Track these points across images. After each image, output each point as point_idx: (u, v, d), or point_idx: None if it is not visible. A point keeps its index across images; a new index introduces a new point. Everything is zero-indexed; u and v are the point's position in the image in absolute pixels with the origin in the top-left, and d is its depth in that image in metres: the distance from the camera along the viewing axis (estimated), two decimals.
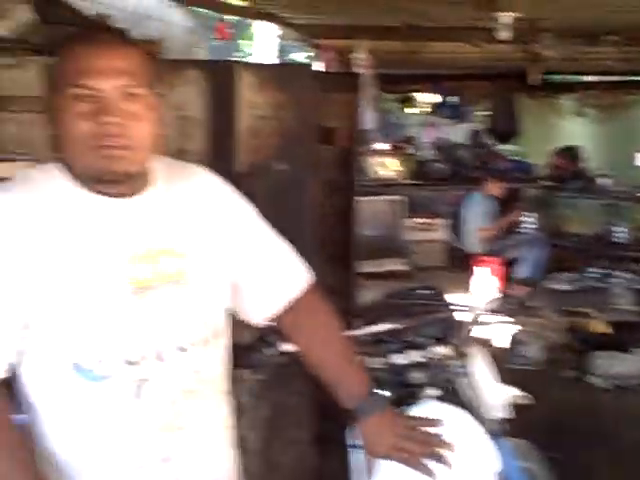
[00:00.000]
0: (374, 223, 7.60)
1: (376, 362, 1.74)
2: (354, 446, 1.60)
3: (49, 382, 1.29)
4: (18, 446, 1.25)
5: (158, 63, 3.15)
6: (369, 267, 6.09)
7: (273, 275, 1.52)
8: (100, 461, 1.30)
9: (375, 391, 1.53)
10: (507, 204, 7.86)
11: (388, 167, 8.62)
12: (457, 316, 1.81)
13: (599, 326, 5.34)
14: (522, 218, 7.48)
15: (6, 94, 3.07)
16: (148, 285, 1.30)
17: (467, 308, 1.86)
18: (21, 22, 3.06)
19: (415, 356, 1.64)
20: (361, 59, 5.18)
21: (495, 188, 7.36)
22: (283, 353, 1.73)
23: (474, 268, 7.15)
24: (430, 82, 9.23)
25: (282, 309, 1.53)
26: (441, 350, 1.70)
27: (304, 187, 3.04)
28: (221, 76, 2.98)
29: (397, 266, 7.81)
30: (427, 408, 1.55)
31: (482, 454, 1.53)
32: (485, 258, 7.17)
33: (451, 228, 8.86)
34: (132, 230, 1.32)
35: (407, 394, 1.68)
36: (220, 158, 3.06)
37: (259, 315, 1.54)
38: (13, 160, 2.58)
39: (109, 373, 1.27)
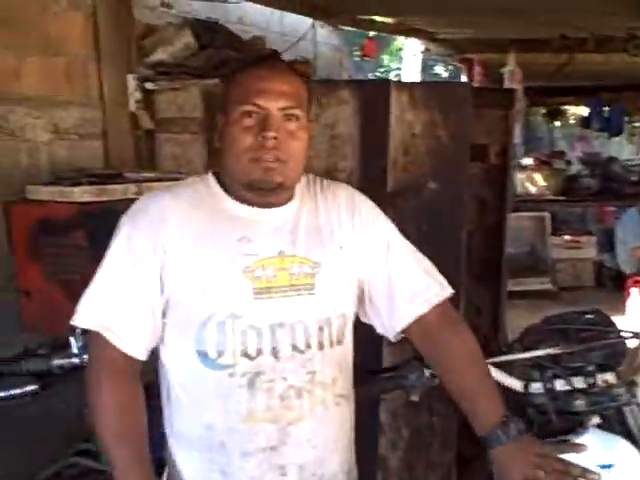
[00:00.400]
0: (518, 240, 7.42)
1: (536, 388, 1.67)
2: None
3: (179, 366, 1.47)
4: (140, 435, 1.43)
5: (312, 83, 3.23)
6: (512, 286, 5.95)
7: (405, 289, 1.57)
8: (215, 440, 1.45)
9: (510, 419, 1.49)
10: None
11: (534, 182, 8.37)
12: (624, 342, 1.71)
13: None
14: None
15: (167, 116, 3.25)
16: (275, 287, 1.44)
17: (632, 333, 1.75)
18: (182, 47, 3.23)
19: (578, 382, 1.56)
20: (511, 72, 5.06)
21: None
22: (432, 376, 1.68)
23: (630, 289, 6.83)
24: (582, 94, 8.87)
25: (412, 322, 1.57)
26: (607, 377, 1.60)
27: (456, 206, 3.00)
28: (374, 95, 3.00)
29: (542, 285, 7.59)
30: (589, 437, 1.48)
31: None
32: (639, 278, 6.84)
33: (602, 246, 8.50)
34: (268, 235, 1.47)
35: (568, 422, 1.59)
36: (372, 176, 3.08)
37: (391, 329, 1.60)
38: (174, 179, 2.72)
39: (229, 363, 1.42)
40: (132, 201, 2.44)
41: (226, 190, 1.50)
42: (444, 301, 1.59)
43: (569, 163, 9.01)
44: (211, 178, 1.54)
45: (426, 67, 11.12)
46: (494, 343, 3.97)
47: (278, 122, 1.43)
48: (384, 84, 3.26)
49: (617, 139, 11.05)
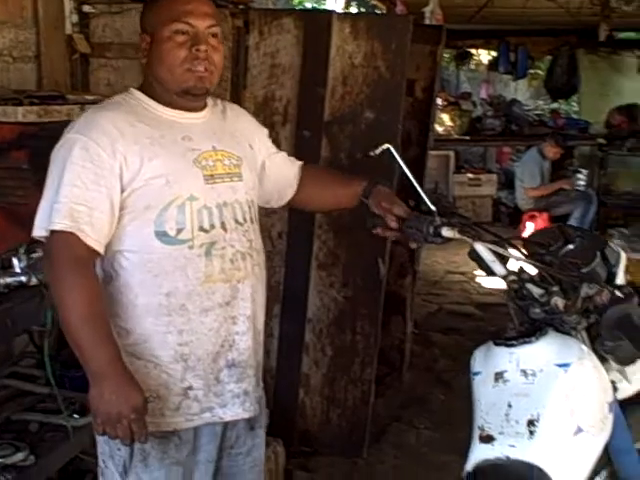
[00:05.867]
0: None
1: (511, 279, 1.77)
2: (476, 374, 1.72)
3: (137, 251, 1.68)
4: (106, 320, 1.62)
5: (253, 11, 3.23)
6: None
7: (286, 169, 2.04)
8: (175, 304, 1.69)
9: (372, 179, 2.00)
10: (560, 164, 7.88)
11: (442, 122, 8.63)
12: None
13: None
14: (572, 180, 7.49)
15: (103, 41, 3.19)
16: (217, 174, 1.75)
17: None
18: None
19: (537, 294, 1.71)
20: (432, 12, 5.18)
21: (551, 151, 7.39)
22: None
23: (526, 223, 7.25)
24: (491, 38, 9.13)
25: (298, 183, 2.05)
26: (558, 302, 1.69)
27: (391, 136, 3.10)
28: (316, 24, 3.06)
29: None
30: (548, 339, 1.66)
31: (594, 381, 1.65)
32: (535, 213, 7.27)
33: (500, 184, 8.92)
34: (204, 134, 1.77)
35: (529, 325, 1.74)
36: (310, 105, 3.16)
37: (284, 197, 2.06)
38: None
39: (188, 237, 1.69)
40: None
41: (156, 98, 1.76)
42: (304, 164, 2.11)
43: (475, 104, 9.31)
44: (136, 92, 1.78)
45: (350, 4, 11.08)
46: (410, 268, 4.21)
47: (205, 38, 1.72)
48: (326, 14, 3.32)
49: (517, 83, 11.50)
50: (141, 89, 1.79)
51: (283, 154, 2.08)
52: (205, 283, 1.71)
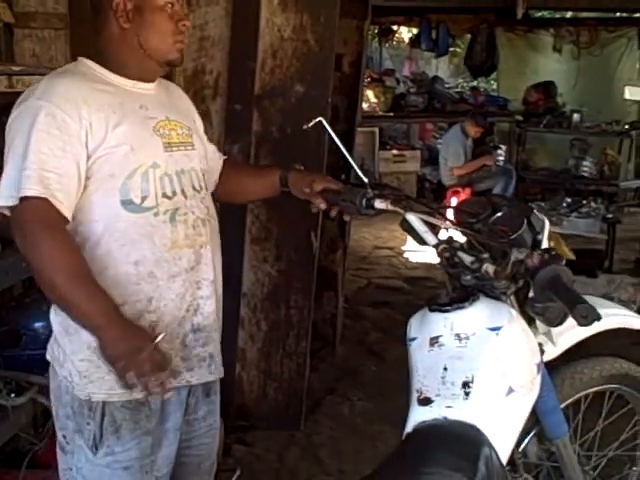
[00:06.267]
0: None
1: (442, 248, 1.80)
2: (412, 339, 1.76)
3: (103, 220, 1.67)
4: (91, 274, 1.60)
5: None
6: None
7: (214, 158, 2.05)
8: (144, 272, 1.70)
9: (286, 166, 2.05)
10: (481, 141, 8.08)
11: (366, 98, 8.69)
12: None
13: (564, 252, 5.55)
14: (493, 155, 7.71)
15: (27, 10, 3.08)
16: (173, 143, 1.77)
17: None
18: None
19: (468, 261, 1.75)
20: None
21: (472, 130, 7.57)
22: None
23: (450, 199, 7.43)
24: (413, 15, 9.24)
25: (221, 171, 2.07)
26: (489, 269, 1.72)
27: (321, 109, 3.12)
28: None
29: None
30: (479, 304, 1.72)
31: (523, 344, 1.72)
32: (458, 189, 7.46)
33: (424, 161, 9.09)
34: (157, 104, 1.78)
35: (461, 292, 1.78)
36: (240, 78, 3.14)
37: (211, 187, 2.02)
38: (42, 74, 2.62)
39: (153, 205, 1.70)
40: (4, 95, 2.38)
41: (107, 69, 1.74)
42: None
43: (398, 81, 9.42)
44: (87, 61, 1.75)
45: None
46: (340, 243, 4.26)
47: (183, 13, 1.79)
48: None
49: (438, 61, 11.70)
50: (91, 59, 1.76)
51: (213, 147, 2.09)
52: (172, 249, 1.73)
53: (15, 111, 1.64)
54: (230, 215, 3.17)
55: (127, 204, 1.67)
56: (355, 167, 1.95)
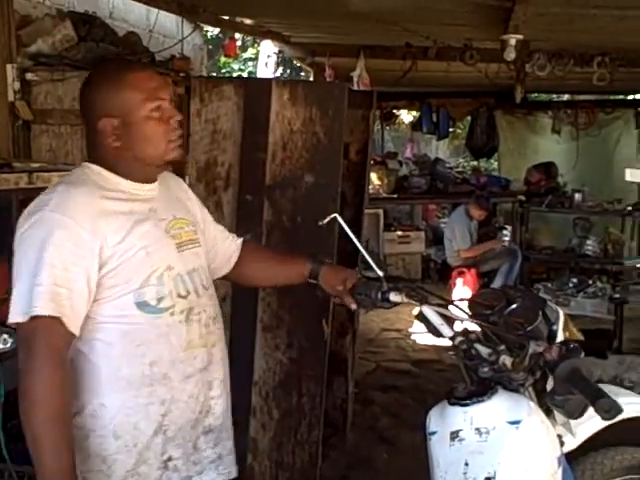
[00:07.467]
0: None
1: (459, 340, 1.82)
2: (432, 433, 1.75)
3: (116, 323, 1.65)
4: (70, 416, 1.58)
5: (194, 79, 3.30)
6: None
7: (222, 237, 2.07)
8: (158, 373, 1.68)
9: (314, 256, 2.09)
10: (486, 221, 8.16)
11: (370, 181, 8.82)
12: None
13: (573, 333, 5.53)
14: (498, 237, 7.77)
15: (45, 107, 3.19)
16: (183, 242, 1.79)
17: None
18: (61, 39, 3.19)
19: (485, 353, 1.77)
20: (360, 77, 5.38)
21: (476, 213, 7.65)
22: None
23: (456, 279, 7.45)
24: (413, 99, 9.48)
25: (238, 255, 2.09)
26: (506, 361, 1.73)
27: (330, 199, 3.19)
28: (256, 91, 3.15)
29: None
30: (499, 397, 1.72)
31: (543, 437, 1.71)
32: (464, 269, 7.48)
33: (428, 241, 9.14)
34: (163, 204, 1.79)
35: (479, 385, 1.79)
36: (251, 170, 3.22)
37: (227, 266, 2.08)
38: (59, 170, 2.69)
39: (169, 305, 1.70)
40: (24, 190, 2.43)
41: (117, 174, 1.74)
42: (242, 240, 2.14)
43: (401, 164, 9.58)
44: (93, 166, 1.74)
45: (284, 69, 11.30)
46: (350, 328, 4.25)
47: (173, 107, 1.77)
48: (266, 82, 3.43)
49: (438, 142, 11.92)
50: (95, 163, 1.74)
51: (221, 227, 2.10)
52: (187, 349, 1.72)
53: (27, 222, 1.61)
54: (241, 303, 3.20)
55: (143, 306, 1.67)
56: (370, 261, 1.98)
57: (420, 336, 5.97)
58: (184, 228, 1.81)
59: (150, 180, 1.79)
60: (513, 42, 4.44)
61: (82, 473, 1.64)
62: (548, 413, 1.83)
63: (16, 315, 1.54)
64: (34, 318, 1.52)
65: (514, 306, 1.94)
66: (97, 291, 1.63)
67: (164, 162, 1.78)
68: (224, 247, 2.07)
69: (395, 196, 8.96)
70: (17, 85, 3.00)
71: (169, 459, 1.71)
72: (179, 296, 1.72)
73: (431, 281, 8.34)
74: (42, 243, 1.56)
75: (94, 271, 1.61)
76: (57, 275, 1.55)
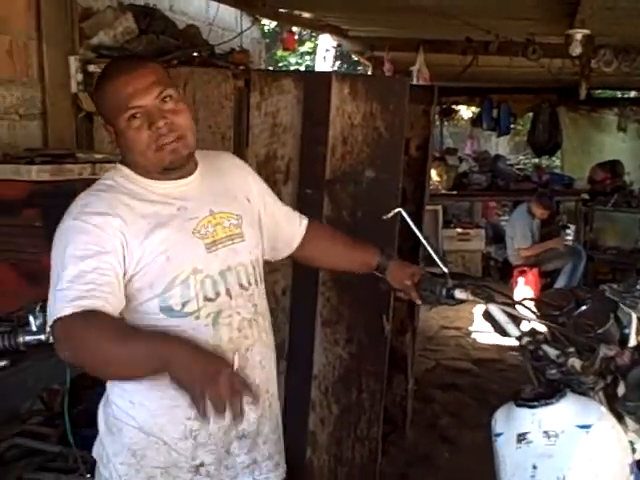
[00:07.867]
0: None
1: (526, 341, 1.76)
2: (498, 435, 1.70)
3: (146, 323, 1.62)
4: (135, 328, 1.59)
5: (253, 72, 3.29)
6: None
7: (287, 220, 2.01)
8: None
9: (384, 249, 2.04)
10: (550, 220, 7.98)
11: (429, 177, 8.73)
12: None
13: None
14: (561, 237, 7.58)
15: None
16: (218, 240, 1.69)
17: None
18: (122, 31, 3.22)
19: (553, 355, 1.71)
20: (419, 71, 5.31)
21: (538, 211, 7.47)
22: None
23: (517, 279, 7.30)
24: (474, 95, 9.33)
25: (301, 239, 2.03)
26: (575, 364, 1.68)
27: (391, 194, 3.16)
28: (316, 85, 3.13)
29: None
30: (567, 401, 1.65)
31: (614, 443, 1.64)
32: (525, 268, 7.33)
33: (488, 239, 9.00)
34: (199, 200, 1.71)
35: (547, 387, 1.72)
36: (311, 164, 3.20)
37: (287, 249, 2.02)
38: (112, 161, 2.72)
39: (194, 309, 1.64)
40: (87, 181, 2.48)
41: (142, 174, 1.69)
42: (309, 221, 2.07)
43: (461, 160, 9.45)
44: (124, 169, 1.71)
45: (341, 63, 11.29)
46: (410, 325, 4.20)
47: (159, 109, 1.63)
48: (326, 75, 3.40)
49: (499, 139, 11.71)
50: (127, 164, 1.72)
51: (286, 209, 2.04)
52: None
53: (59, 227, 1.62)
54: (301, 298, 3.19)
55: (166, 311, 1.63)
56: (435, 257, 1.94)
57: (481, 335, 5.88)
58: (222, 223, 1.72)
59: (181, 176, 1.72)
60: (579, 37, 4.32)
61: (116, 464, 1.67)
62: (619, 419, 1.76)
63: (51, 320, 1.53)
64: (58, 320, 1.50)
65: (584, 308, 1.87)
66: (126, 293, 1.61)
67: (161, 170, 1.67)
68: (287, 230, 2.01)
69: (455, 193, 8.83)
70: (80, 77, 3.04)
71: (201, 464, 1.69)
72: (206, 299, 1.66)
73: (492, 279, 8.18)
74: (65, 249, 1.56)
75: (120, 271, 1.59)
76: (81, 276, 1.52)
